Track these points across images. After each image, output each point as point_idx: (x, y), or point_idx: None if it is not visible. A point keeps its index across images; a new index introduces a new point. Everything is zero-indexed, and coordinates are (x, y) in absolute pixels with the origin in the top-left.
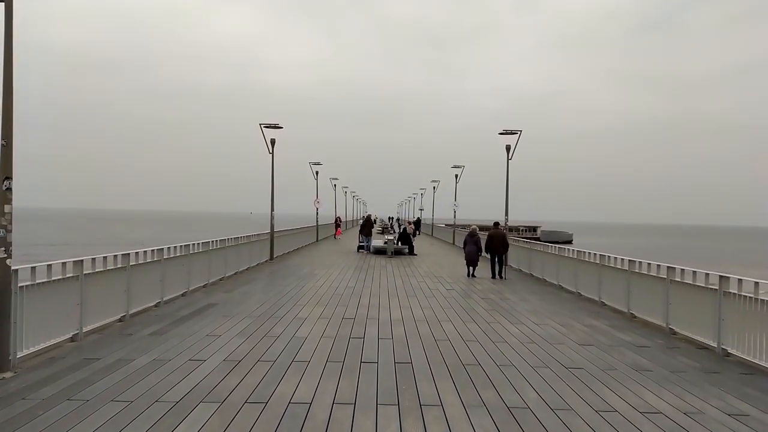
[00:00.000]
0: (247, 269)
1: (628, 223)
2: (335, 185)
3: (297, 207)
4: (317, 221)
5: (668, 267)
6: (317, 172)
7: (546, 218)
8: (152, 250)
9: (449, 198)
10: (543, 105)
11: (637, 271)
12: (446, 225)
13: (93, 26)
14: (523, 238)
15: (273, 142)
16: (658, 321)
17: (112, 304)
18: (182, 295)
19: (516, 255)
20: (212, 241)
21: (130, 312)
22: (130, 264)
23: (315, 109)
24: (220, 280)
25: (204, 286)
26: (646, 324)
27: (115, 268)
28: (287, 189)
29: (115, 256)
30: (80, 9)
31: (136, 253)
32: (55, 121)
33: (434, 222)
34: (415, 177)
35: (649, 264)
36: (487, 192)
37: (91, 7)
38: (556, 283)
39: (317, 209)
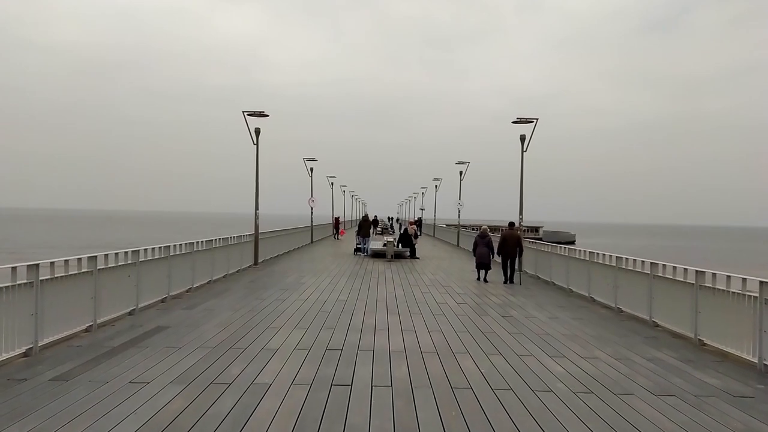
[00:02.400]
0: (224, 277)
1: (632, 224)
2: (332, 183)
3: (299, 208)
4: (312, 221)
5: (761, 282)
6: (312, 169)
7: (548, 218)
8: (78, 259)
9: (451, 197)
10: (546, 105)
11: (709, 285)
12: (446, 225)
13: (96, 27)
14: (525, 238)
15: (257, 131)
16: (742, 353)
17: (12, 332)
18: (129, 313)
19: (533, 259)
20: (173, 246)
21: (42, 342)
22: (41, 278)
23: (318, 109)
24: (187, 291)
25: (162, 301)
26: (723, 355)
27: (17, 284)
28: (287, 189)
29: (13, 268)
30: (84, 9)
31: (52, 263)
32: (57, 122)
33: (436, 222)
34: (417, 177)
35: (728, 277)
36: (489, 192)
37: (94, 7)
38: (586, 294)
39: (312, 208)
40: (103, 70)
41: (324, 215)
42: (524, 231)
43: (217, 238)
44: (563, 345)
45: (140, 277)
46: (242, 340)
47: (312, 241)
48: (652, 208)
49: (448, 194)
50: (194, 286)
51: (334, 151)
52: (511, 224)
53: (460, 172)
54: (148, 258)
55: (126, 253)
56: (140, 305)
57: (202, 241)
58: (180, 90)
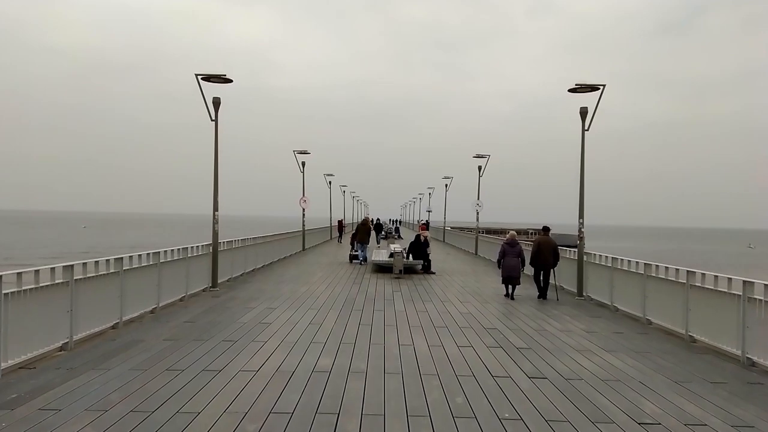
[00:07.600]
0: (151, 312)
1: (637, 226)
2: (330, 183)
3: (300, 210)
4: (303, 225)
5: None
6: (303, 164)
7: (557, 221)
8: None
9: (457, 199)
10: (553, 108)
11: None
12: (452, 228)
13: (103, 29)
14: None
15: (216, 103)
16: None
17: None
18: None
19: (608, 276)
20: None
21: None
22: None
23: (324, 111)
24: (58, 350)
25: None
26: None
27: None
28: (292, 191)
29: None
30: (90, 11)
31: None
32: (62, 124)
33: (446, 226)
34: (424, 179)
35: None
36: (493, 194)
37: (101, 9)
38: (725, 349)
39: (303, 210)
40: (108, 73)
41: (325, 218)
42: (531, 234)
43: (138, 254)
44: None
45: None
46: None
47: (303, 249)
48: (654, 210)
49: (455, 196)
50: (74, 338)
51: (342, 153)
52: (546, 229)
53: (479, 167)
54: None
55: None
56: None
57: (94, 262)
58: (189, 92)
